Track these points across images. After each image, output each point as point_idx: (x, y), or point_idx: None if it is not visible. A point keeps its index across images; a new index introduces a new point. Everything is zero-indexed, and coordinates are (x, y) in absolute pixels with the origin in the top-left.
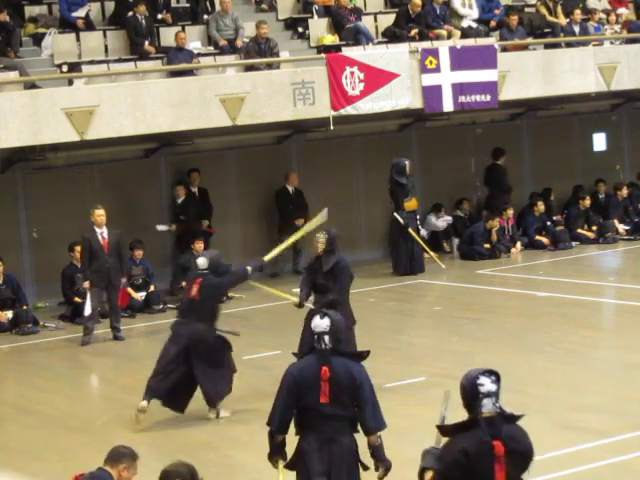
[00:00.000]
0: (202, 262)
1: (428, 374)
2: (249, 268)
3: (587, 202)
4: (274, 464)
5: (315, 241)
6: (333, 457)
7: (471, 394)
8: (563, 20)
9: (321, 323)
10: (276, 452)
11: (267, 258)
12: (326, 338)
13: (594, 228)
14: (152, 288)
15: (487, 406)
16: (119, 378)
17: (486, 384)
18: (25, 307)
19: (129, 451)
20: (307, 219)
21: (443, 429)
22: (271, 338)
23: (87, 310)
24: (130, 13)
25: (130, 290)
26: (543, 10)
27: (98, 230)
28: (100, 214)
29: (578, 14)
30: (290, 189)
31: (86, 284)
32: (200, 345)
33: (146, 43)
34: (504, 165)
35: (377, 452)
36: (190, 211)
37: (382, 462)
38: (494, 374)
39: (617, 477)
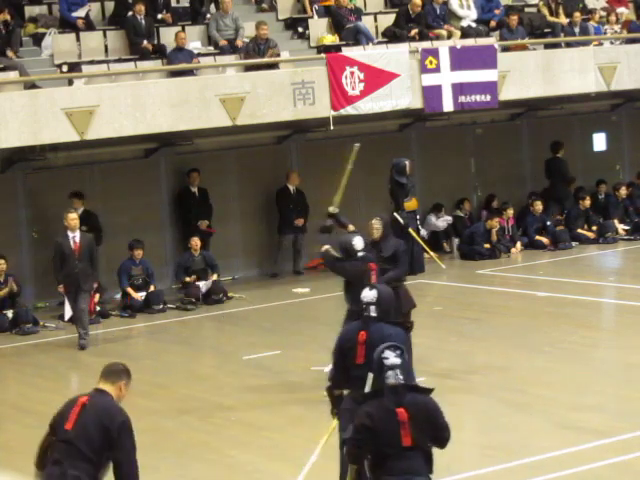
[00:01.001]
0: (359, 242)
1: (428, 374)
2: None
3: (587, 202)
4: (333, 416)
5: (370, 227)
6: None
7: (378, 366)
8: (564, 20)
9: (369, 294)
10: (336, 405)
11: (333, 209)
12: (372, 308)
13: (594, 228)
14: (152, 288)
15: (391, 377)
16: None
17: (390, 357)
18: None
19: (125, 367)
20: (307, 219)
21: (362, 399)
22: (271, 338)
23: (67, 314)
24: (130, 13)
25: (130, 290)
26: (545, 10)
27: (71, 234)
28: (73, 218)
29: (578, 16)
30: (291, 189)
31: (60, 288)
32: None
33: (145, 42)
34: (564, 157)
35: None
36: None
37: None
38: (399, 349)
39: (617, 477)
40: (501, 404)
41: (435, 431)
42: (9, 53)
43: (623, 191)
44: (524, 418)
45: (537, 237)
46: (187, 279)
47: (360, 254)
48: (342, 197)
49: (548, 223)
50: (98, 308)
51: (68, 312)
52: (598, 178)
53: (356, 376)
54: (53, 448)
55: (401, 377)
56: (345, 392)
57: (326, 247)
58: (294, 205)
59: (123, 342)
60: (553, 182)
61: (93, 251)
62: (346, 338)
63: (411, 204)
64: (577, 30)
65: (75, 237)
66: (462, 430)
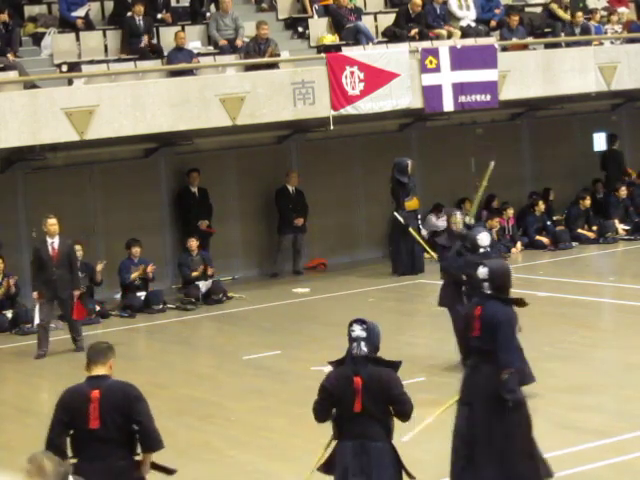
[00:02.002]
0: (485, 237)
1: (428, 374)
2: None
3: (587, 202)
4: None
5: (452, 222)
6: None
7: (348, 337)
8: (569, 17)
9: (482, 271)
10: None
11: (469, 219)
12: (485, 285)
13: (594, 228)
14: (151, 286)
15: (355, 348)
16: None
17: (356, 330)
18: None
19: (108, 344)
20: (307, 219)
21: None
22: (271, 338)
23: (35, 321)
24: (128, 14)
25: (134, 274)
26: (554, 6)
27: (49, 240)
28: (52, 223)
29: (580, 15)
30: (290, 189)
31: (35, 295)
32: None
33: (142, 43)
34: (619, 149)
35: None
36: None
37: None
38: (365, 323)
39: (617, 477)
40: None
41: (389, 402)
42: (9, 54)
43: (623, 191)
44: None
45: (537, 237)
46: (194, 273)
47: (482, 250)
48: (478, 207)
49: (548, 223)
50: (96, 309)
51: (37, 318)
52: (598, 178)
53: (473, 347)
54: (81, 445)
55: (365, 349)
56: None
57: (459, 213)
58: (293, 205)
59: (123, 342)
60: (609, 174)
61: (73, 258)
62: (466, 311)
63: (412, 203)
64: (578, 30)
65: (54, 243)
66: None
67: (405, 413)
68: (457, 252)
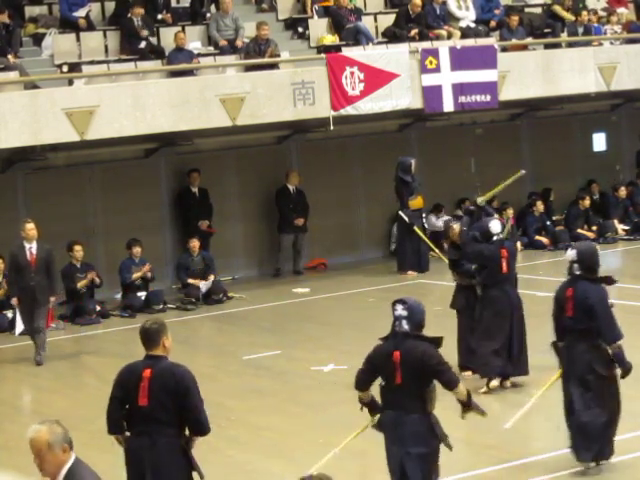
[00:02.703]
0: (496, 226)
1: None
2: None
3: (587, 202)
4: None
5: (450, 235)
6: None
7: (393, 315)
8: (572, 17)
9: (570, 253)
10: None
11: (481, 201)
12: (575, 266)
13: (594, 228)
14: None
15: (397, 326)
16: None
17: (398, 309)
18: None
19: (158, 324)
20: (307, 219)
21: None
22: (271, 338)
23: (18, 328)
24: (129, 14)
25: (136, 275)
26: (558, 8)
27: (27, 245)
28: (31, 228)
29: (585, 15)
30: (291, 188)
31: (14, 300)
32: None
33: (142, 44)
34: None
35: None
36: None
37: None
38: (406, 303)
39: (617, 477)
40: (501, 404)
41: (429, 375)
42: (9, 55)
43: (623, 191)
44: (524, 418)
45: (537, 237)
46: (190, 281)
47: (495, 238)
48: (491, 196)
49: (548, 223)
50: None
51: (19, 326)
52: (598, 178)
53: (567, 326)
54: (132, 420)
55: (406, 327)
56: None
57: (456, 225)
58: (294, 205)
59: (123, 342)
60: None
61: (51, 263)
62: (557, 292)
63: (416, 202)
64: (581, 30)
65: (32, 248)
66: (462, 430)
67: (448, 381)
68: (473, 238)
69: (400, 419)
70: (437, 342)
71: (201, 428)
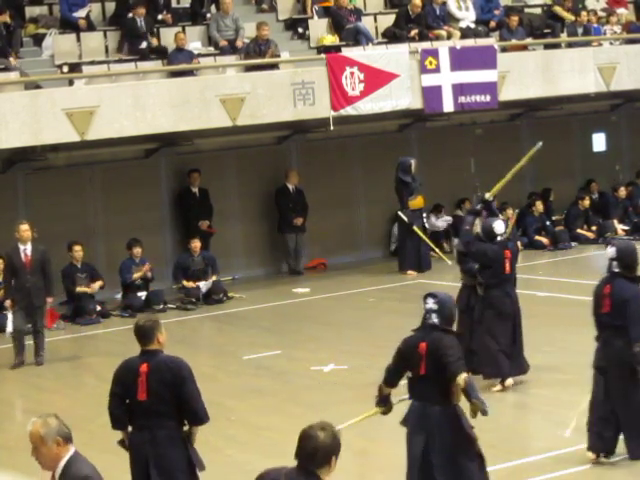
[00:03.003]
0: (500, 226)
1: None
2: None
3: (587, 202)
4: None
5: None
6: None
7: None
8: (572, 17)
9: (609, 251)
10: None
11: (489, 196)
12: (614, 264)
13: (594, 228)
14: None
15: (428, 318)
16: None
17: (429, 303)
18: None
19: (151, 320)
20: (306, 218)
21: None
22: (271, 338)
23: (8, 329)
24: (130, 15)
25: (136, 275)
26: (558, 9)
27: (22, 246)
28: (25, 229)
29: (585, 15)
30: (290, 187)
31: (8, 302)
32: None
33: (144, 44)
34: None
35: None
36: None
37: None
38: (436, 297)
39: (617, 477)
40: (501, 404)
41: (445, 365)
42: (10, 58)
43: (622, 191)
44: (524, 418)
45: (537, 237)
46: (185, 283)
47: (499, 238)
48: (501, 188)
49: (548, 223)
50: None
51: (10, 327)
52: (597, 179)
53: (603, 322)
54: (133, 415)
55: (435, 320)
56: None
57: (466, 228)
58: (293, 204)
59: (123, 342)
60: None
61: (46, 264)
62: (596, 288)
63: (417, 202)
64: (580, 30)
65: (26, 250)
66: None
67: (451, 375)
68: (477, 237)
69: (425, 410)
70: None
71: (197, 417)
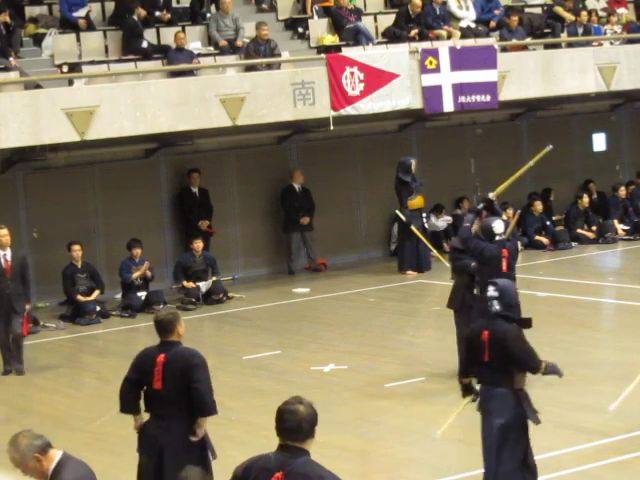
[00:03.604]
0: (499, 226)
1: (428, 374)
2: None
3: (585, 201)
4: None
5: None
6: None
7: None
8: (572, 17)
9: None
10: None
11: (493, 195)
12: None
13: (594, 228)
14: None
15: (490, 306)
16: (119, 378)
17: (490, 291)
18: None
19: (172, 315)
20: (312, 218)
21: None
22: (271, 338)
23: None
24: (128, 15)
25: (136, 274)
26: (559, 9)
27: (1, 252)
28: (4, 234)
29: (585, 15)
30: (296, 187)
31: None
32: None
33: (144, 44)
34: None
35: None
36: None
37: None
38: (497, 284)
39: (617, 477)
40: None
41: (509, 357)
42: (10, 58)
43: (622, 191)
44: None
45: (537, 237)
46: (185, 283)
47: (498, 238)
48: (506, 188)
49: (548, 223)
50: (97, 309)
51: None
52: (597, 178)
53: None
54: (150, 403)
55: (497, 307)
56: None
57: (466, 225)
58: (300, 203)
59: (123, 342)
60: None
61: (25, 270)
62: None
63: (416, 202)
64: (581, 30)
65: (6, 255)
66: (462, 430)
67: (530, 369)
68: (476, 236)
69: (489, 393)
70: (526, 323)
71: (205, 408)
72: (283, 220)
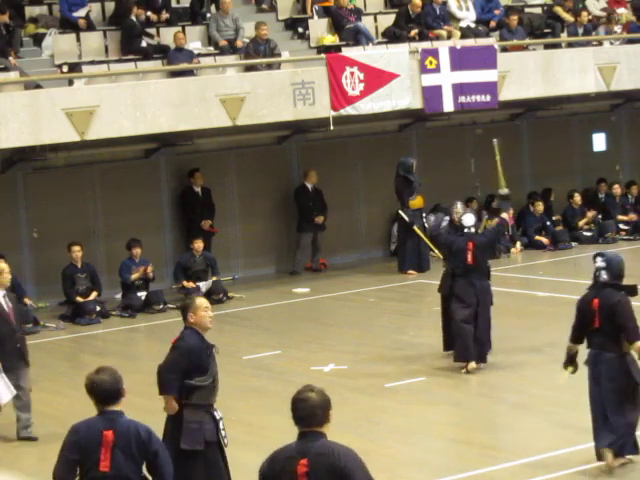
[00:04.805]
0: (468, 219)
1: (428, 374)
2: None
3: (577, 199)
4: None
5: (454, 211)
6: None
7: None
8: (572, 18)
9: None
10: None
11: (503, 191)
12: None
13: (593, 227)
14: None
15: (598, 276)
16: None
17: (598, 262)
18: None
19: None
20: (326, 217)
21: None
22: (271, 338)
23: (6, 395)
24: (129, 14)
25: (135, 275)
26: (559, 9)
27: (0, 292)
28: (4, 268)
29: (585, 15)
30: (309, 187)
31: None
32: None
33: (144, 43)
34: None
35: None
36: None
37: None
38: (604, 255)
39: (617, 477)
40: (501, 404)
41: (618, 323)
42: (10, 58)
43: (618, 190)
44: (524, 418)
45: (537, 237)
46: (185, 283)
47: (466, 230)
48: (506, 180)
49: (548, 223)
50: (97, 309)
51: (6, 393)
52: (599, 177)
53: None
54: None
55: (605, 277)
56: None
57: (434, 224)
58: (313, 202)
59: (123, 342)
60: None
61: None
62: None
63: (416, 202)
64: (581, 31)
65: (5, 296)
66: (462, 430)
67: (627, 335)
68: (447, 231)
69: (598, 357)
70: (633, 290)
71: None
72: (297, 220)
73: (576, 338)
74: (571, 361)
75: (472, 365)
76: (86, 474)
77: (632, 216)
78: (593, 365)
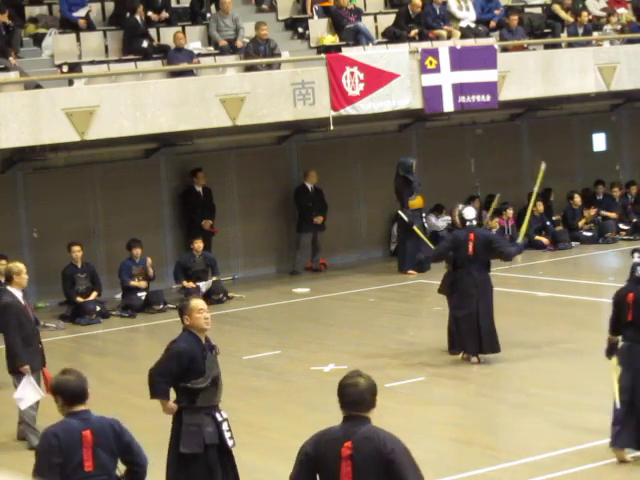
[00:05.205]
0: (470, 212)
1: (428, 374)
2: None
3: (577, 199)
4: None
5: (454, 213)
6: None
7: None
8: (571, 18)
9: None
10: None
11: (521, 240)
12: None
13: (593, 227)
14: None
15: (637, 272)
16: (119, 378)
17: (635, 257)
18: None
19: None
20: (326, 217)
21: None
22: (271, 338)
23: (30, 399)
24: (129, 14)
25: (134, 283)
26: (557, 7)
27: (17, 292)
28: (22, 269)
29: (585, 15)
30: (309, 187)
31: (25, 368)
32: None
33: (145, 43)
34: None
35: None
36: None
37: None
38: None
39: (617, 477)
40: (501, 404)
41: None
42: (10, 58)
43: (617, 191)
44: (524, 418)
45: (537, 237)
46: (185, 283)
47: (468, 223)
48: (527, 229)
49: (548, 223)
50: (97, 309)
51: (35, 395)
52: (598, 178)
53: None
54: None
55: None
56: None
57: (461, 207)
58: (313, 203)
59: (123, 342)
60: None
61: None
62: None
63: (416, 202)
64: (581, 31)
65: (24, 297)
66: (462, 430)
67: None
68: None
69: (632, 349)
70: None
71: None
72: (297, 220)
73: (614, 330)
74: (613, 349)
75: (474, 359)
76: (69, 476)
77: (612, 214)
78: (627, 358)
